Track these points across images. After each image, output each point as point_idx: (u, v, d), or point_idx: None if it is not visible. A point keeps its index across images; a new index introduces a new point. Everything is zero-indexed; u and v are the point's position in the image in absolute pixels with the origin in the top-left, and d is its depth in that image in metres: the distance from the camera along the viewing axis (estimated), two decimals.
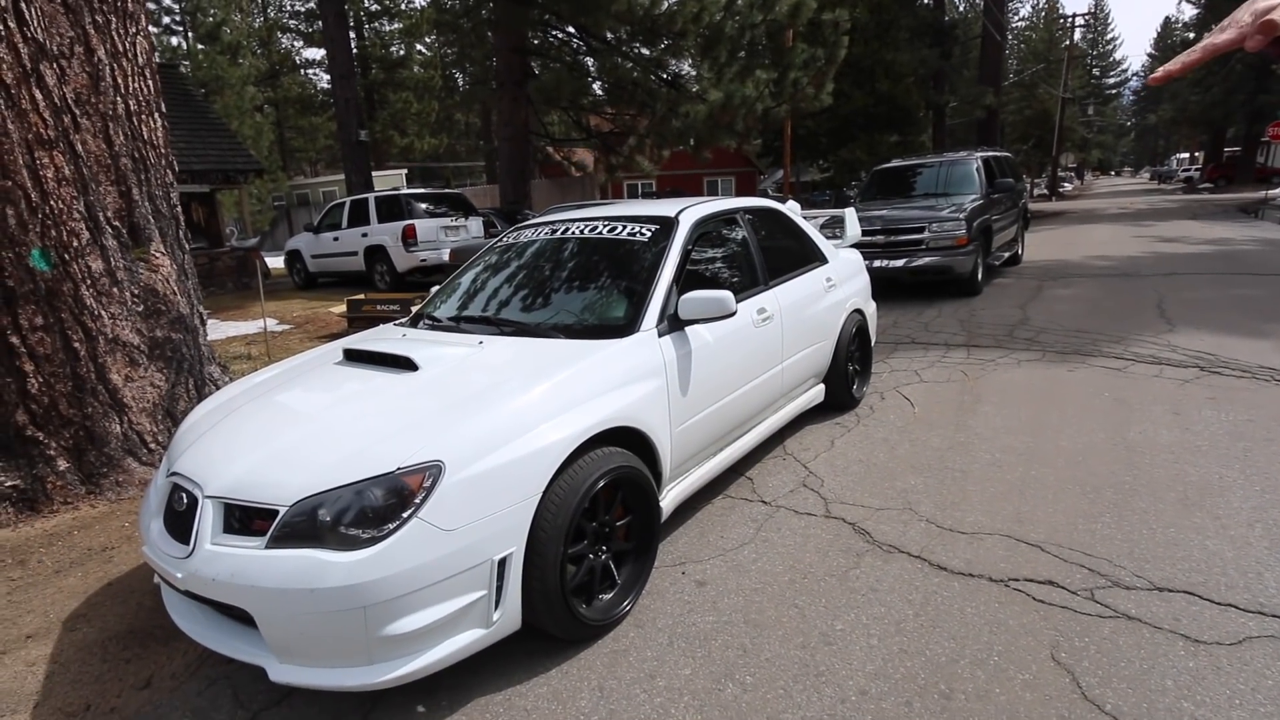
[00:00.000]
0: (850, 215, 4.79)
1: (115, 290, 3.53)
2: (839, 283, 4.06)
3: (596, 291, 3.01)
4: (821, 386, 3.94)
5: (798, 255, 3.93)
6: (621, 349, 2.44)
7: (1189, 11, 32.87)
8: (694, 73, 13.66)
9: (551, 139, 17.83)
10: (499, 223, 11.50)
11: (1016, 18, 57.73)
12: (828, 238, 4.82)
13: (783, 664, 1.99)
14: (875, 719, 1.76)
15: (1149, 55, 53.24)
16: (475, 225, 11.35)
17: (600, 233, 3.15)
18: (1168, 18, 55.49)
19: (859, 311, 4.24)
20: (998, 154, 9.61)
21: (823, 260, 4.08)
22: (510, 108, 13.24)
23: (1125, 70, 56.85)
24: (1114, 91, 56.24)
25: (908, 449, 3.47)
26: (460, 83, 32.27)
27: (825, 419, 3.98)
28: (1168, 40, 47.75)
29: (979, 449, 3.40)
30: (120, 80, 3.57)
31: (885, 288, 7.89)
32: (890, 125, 23.37)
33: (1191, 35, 35.95)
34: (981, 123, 23.64)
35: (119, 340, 3.53)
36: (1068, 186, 37.70)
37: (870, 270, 7.27)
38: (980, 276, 7.56)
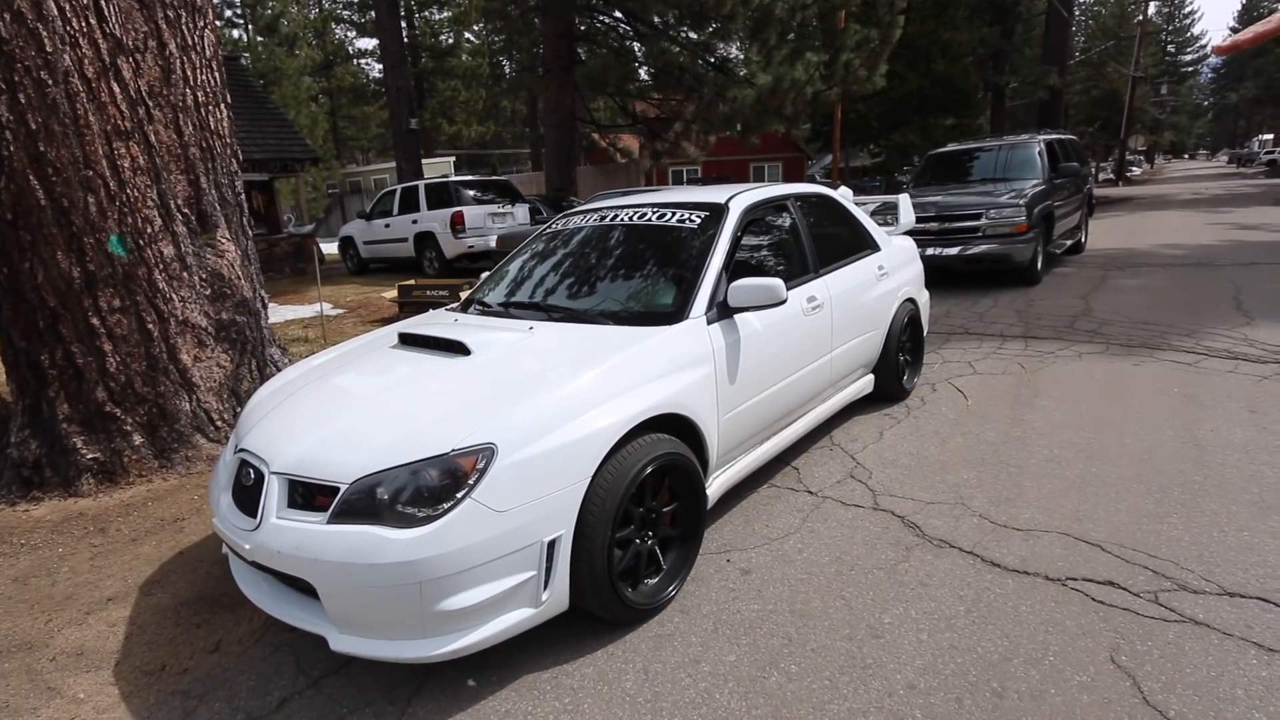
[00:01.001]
0: (904, 201, 4.66)
1: (185, 274, 3.69)
2: (891, 271, 3.97)
3: (645, 278, 3.02)
4: (871, 377, 3.86)
5: (849, 242, 3.85)
6: (670, 336, 2.44)
7: None
8: (742, 56, 13.43)
9: (597, 125, 17.83)
10: (545, 210, 11.59)
11: None
12: (880, 224, 4.70)
13: (829, 655, 1.98)
14: (924, 714, 1.74)
15: (1231, 29, 49.85)
16: (521, 212, 11.47)
17: (649, 219, 3.14)
18: None
19: (911, 301, 4.13)
20: (1061, 136, 9.19)
21: (875, 248, 3.99)
22: (557, 94, 13.28)
23: (1205, 46, 53.34)
24: (1191, 69, 52.88)
25: (960, 442, 3.38)
26: (507, 70, 32.46)
27: (874, 410, 3.90)
28: (1254, 13, 44.66)
29: (1036, 444, 3.28)
30: (189, 73, 3.71)
31: (938, 276, 7.65)
32: (946, 108, 22.51)
33: None
34: (1044, 104, 22.57)
35: (188, 322, 3.70)
36: (1136, 171, 35.81)
37: (923, 258, 7.10)
38: (1040, 265, 7.26)
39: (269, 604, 2.00)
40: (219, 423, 3.78)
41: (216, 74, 3.92)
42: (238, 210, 4.13)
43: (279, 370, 3.98)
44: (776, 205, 3.47)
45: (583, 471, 1.96)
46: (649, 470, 2.12)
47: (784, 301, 2.64)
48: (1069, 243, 8.66)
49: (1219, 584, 2.17)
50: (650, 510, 2.22)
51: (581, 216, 3.53)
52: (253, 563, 1.96)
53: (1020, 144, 8.33)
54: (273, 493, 1.93)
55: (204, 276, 3.81)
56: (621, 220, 3.25)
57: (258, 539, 1.89)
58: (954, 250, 7.14)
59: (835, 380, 3.46)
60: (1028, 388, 4.09)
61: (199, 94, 3.78)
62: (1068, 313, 5.90)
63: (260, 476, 2.00)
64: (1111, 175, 32.15)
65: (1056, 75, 21.36)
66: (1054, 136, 8.81)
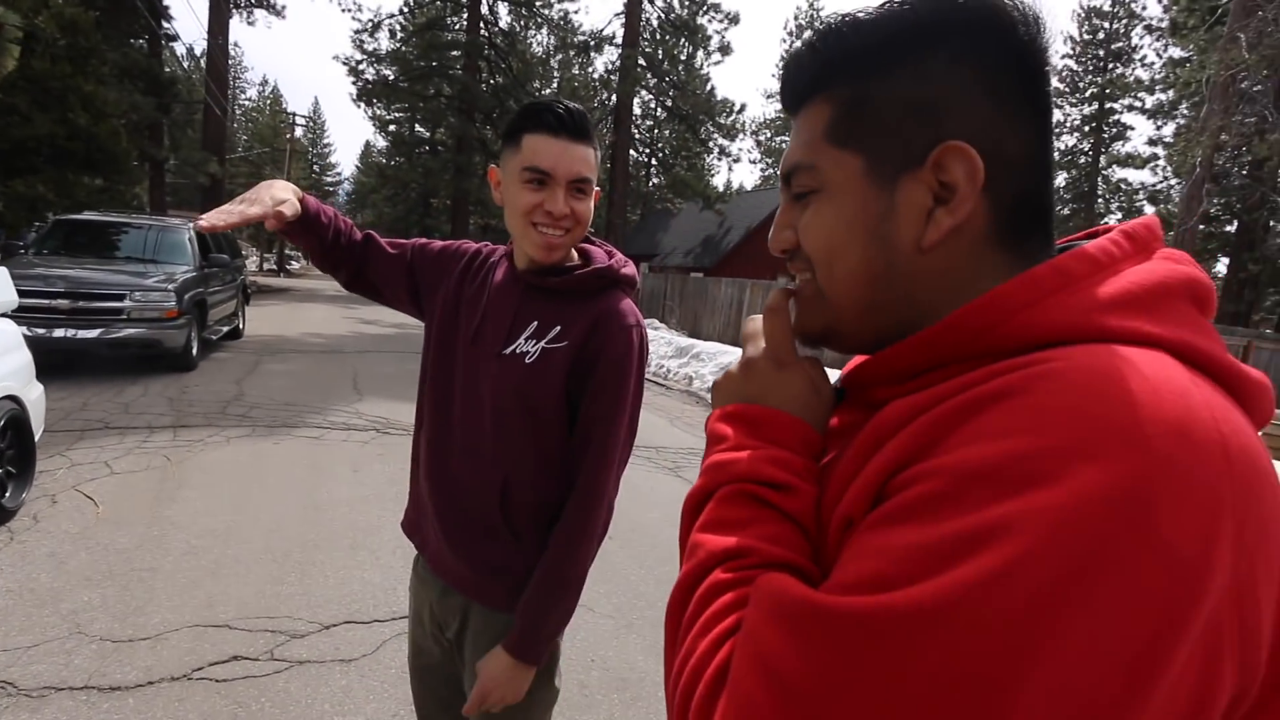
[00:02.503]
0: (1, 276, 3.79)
1: None
2: None
3: None
4: None
5: None
6: None
7: (381, 143, 41.38)
8: None
9: None
10: None
11: (244, 96, 59.21)
12: None
13: None
14: None
15: (356, 167, 64.18)
16: None
17: None
18: (367, 142, 68.46)
19: (12, 399, 3.39)
20: None
21: None
22: None
23: (340, 173, 66.65)
24: (332, 189, 64.84)
25: (84, 559, 2.98)
26: None
27: None
28: (369, 159, 58.70)
29: (174, 540, 3.24)
30: None
31: (75, 363, 6.59)
32: (91, 167, 19.83)
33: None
34: (207, 189, 22.92)
35: None
36: (295, 265, 40.74)
37: (49, 341, 6.00)
38: (195, 351, 7.26)
39: None
40: None
41: None
42: None
43: None
44: None
45: None
46: None
47: None
48: (226, 329, 9.03)
49: (320, 621, 2.68)
50: None
51: None
52: None
53: (171, 228, 8.18)
54: None
55: None
56: None
57: None
58: (94, 333, 6.30)
59: None
60: (173, 481, 3.99)
61: None
62: (222, 398, 6.11)
63: None
64: (275, 267, 35.49)
65: (217, 165, 22.11)
66: None
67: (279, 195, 1.12)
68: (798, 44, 0.53)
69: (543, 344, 1.10)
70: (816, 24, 0.51)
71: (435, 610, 1.21)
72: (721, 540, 0.48)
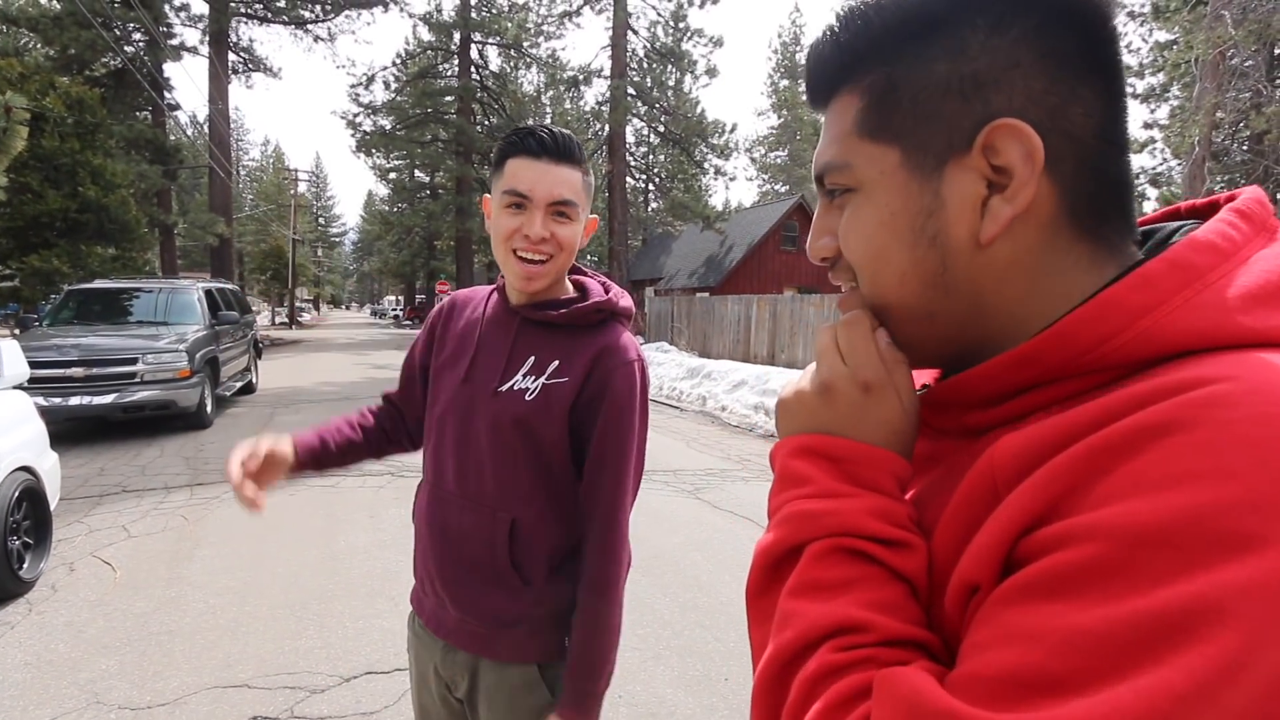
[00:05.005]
0: (9, 349, 3.84)
1: None
2: None
3: None
4: None
5: None
6: None
7: (383, 191, 42.07)
8: None
9: None
10: None
11: (247, 156, 60.73)
12: None
13: None
14: None
15: (360, 216, 65.20)
16: None
17: None
18: (370, 191, 69.78)
19: (26, 470, 3.41)
20: (223, 285, 9.73)
21: None
22: None
23: (344, 224, 67.75)
24: (338, 239, 65.95)
25: (102, 626, 2.95)
26: None
27: None
28: (372, 208, 59.62)
29: (192, 600, 3.21)
30: None
31: (93, 428, 6.66)
32: (103, 237, 20.40)
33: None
34: (216, 250, 23.38)
35: None
36: (306, 317, 41.25)
37: (65, 409, 6.06)
38: (210, 408, 7.32)
39: None
40: None
41: None
42: None
43: None
44: None
45: None
46: None
47: None
48: (240, 384, 9.11)
49: (340, 674, 2.62)
50: None
51: None
52: None
53: (180, 289, 8.31)
54: None
55: None
56: None
57: None
58: (109, 398, 6.37)
59: None
60: (190, 540, 3.98)
61: None
62: None
63: None
64: (286, 320, 35.95)
65: (224, 225, 22.58)
66: (215, 285, 9.23)
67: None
68: (821, 33, 0.47)
69: (542, 380, 1.06)
70: (838, 10, 0.46)
71: (441, 670, 1.15)
72: (824, 609, 0.40)
